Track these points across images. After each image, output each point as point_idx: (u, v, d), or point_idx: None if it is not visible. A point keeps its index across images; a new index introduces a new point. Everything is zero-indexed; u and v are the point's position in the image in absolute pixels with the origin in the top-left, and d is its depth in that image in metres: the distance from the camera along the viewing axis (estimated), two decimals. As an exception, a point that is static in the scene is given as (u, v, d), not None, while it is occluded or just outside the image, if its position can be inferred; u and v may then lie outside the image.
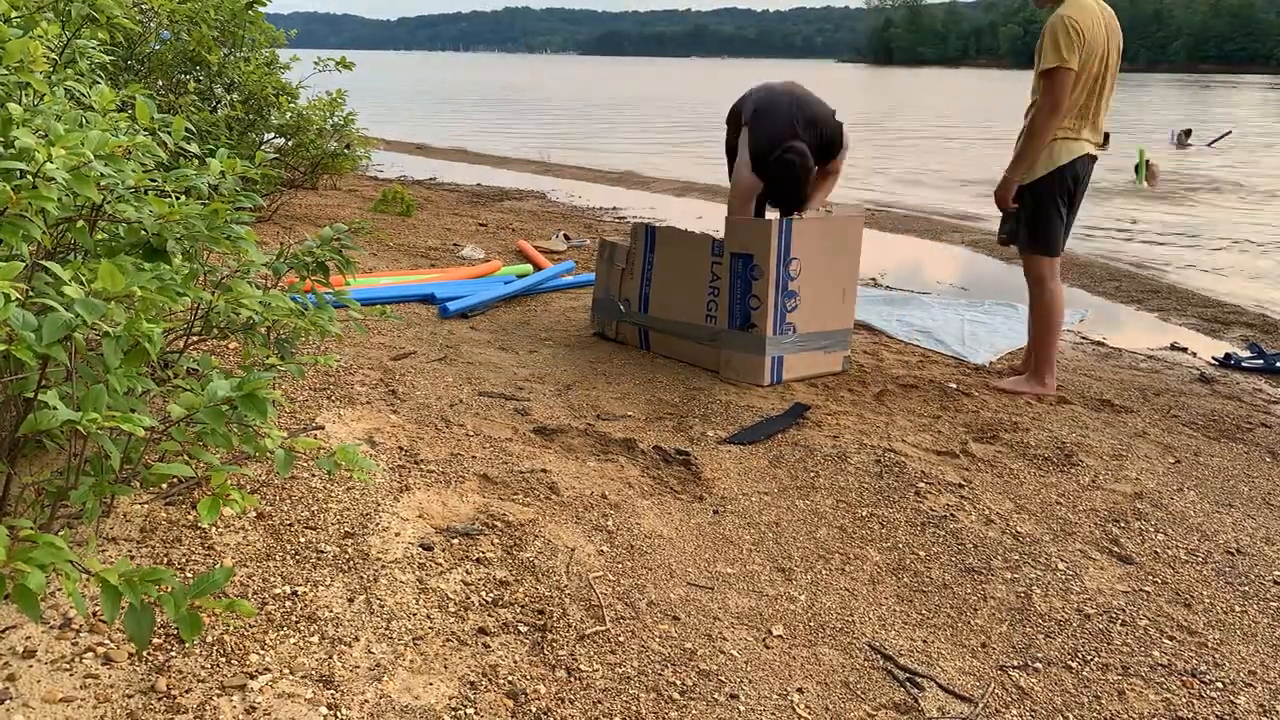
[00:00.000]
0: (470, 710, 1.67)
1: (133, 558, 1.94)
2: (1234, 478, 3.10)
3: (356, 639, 1.80)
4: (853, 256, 3.86)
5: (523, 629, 1.93)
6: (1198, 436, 3.47)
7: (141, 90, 2.18)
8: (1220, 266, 7.16)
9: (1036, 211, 3.67)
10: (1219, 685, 1.99)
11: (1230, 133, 17.13)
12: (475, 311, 4.47)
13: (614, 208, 9.20)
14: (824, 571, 2.33)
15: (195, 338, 2.22)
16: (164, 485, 2.17)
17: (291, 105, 6.05)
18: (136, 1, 4.87)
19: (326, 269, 2.32)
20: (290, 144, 6.38)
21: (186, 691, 1.60)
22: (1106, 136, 3.71)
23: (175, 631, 1.72)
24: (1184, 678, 2.01)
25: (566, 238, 6.76)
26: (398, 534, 2.20)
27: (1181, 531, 2.67)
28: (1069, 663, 2.03)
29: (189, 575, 1.91)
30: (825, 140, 3.87)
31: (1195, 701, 1.93)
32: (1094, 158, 3.69)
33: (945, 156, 15.00)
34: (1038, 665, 2.02)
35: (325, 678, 1.69)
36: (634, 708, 1.74)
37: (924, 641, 2.07)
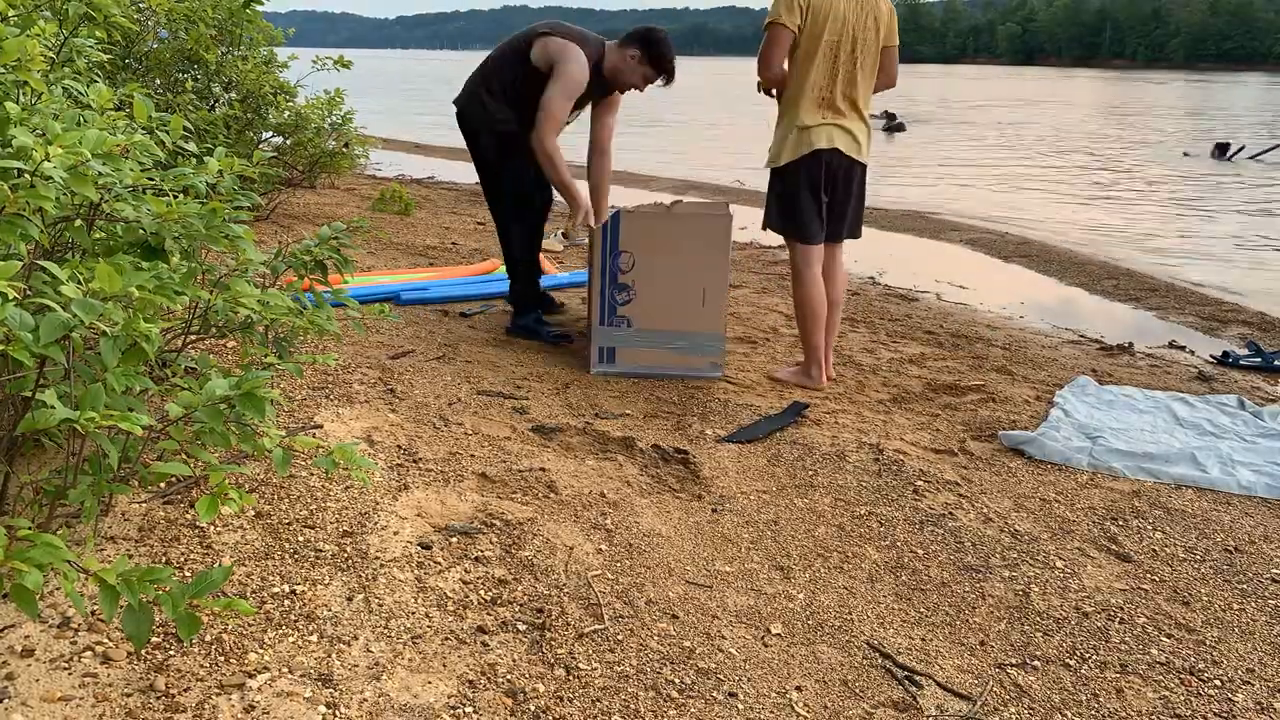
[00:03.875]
0: (469, 709, 1.67)
1: (131, 556, 1.94)
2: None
3: (355, 638, 1.81)
4: (718, 258, 3.63)
5: (521, 627, 1.93)
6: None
7: (139, 89, 2.18)
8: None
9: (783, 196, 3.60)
10: (1217, 683, 1.99)
11: None
12: (474, 311, 4.47)
13: (612, 207, 9.16)
14: (822, 570, 2.33)
15: (193, 337, 2.22)
16: (162, 484, 2.17)
17: (289, 104, 6.05)
18: (134, 0, 4.87)
19: (325, 268, 2.32)
20: (288, 143, 6.36)
21: (185, 690, 1.60)
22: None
23: (174, 630, 1.72)
24: (1182, 675, 2.01)
25: (565, 236, 6.75)
26: (396, 533, 2.20)
27: (1179, 529, 2.67)
28: (1067, 661, 2.04)
29: (187, 574, 1.91)
30: None
31: (1193, 699, 1.93)
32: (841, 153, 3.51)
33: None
34: (1036, 663, 2.02)
35: (324, 676, 1.69)
36: (633, 706, 1.74)
37: (922, 640, 2.08)
